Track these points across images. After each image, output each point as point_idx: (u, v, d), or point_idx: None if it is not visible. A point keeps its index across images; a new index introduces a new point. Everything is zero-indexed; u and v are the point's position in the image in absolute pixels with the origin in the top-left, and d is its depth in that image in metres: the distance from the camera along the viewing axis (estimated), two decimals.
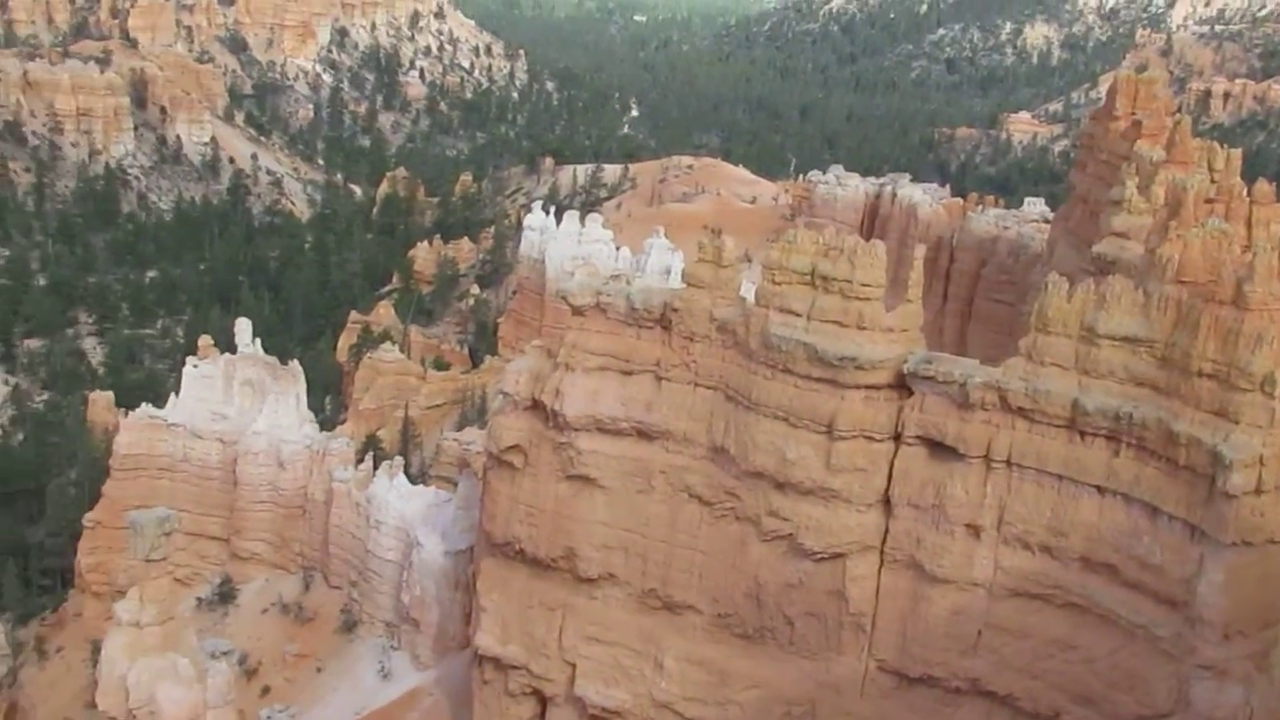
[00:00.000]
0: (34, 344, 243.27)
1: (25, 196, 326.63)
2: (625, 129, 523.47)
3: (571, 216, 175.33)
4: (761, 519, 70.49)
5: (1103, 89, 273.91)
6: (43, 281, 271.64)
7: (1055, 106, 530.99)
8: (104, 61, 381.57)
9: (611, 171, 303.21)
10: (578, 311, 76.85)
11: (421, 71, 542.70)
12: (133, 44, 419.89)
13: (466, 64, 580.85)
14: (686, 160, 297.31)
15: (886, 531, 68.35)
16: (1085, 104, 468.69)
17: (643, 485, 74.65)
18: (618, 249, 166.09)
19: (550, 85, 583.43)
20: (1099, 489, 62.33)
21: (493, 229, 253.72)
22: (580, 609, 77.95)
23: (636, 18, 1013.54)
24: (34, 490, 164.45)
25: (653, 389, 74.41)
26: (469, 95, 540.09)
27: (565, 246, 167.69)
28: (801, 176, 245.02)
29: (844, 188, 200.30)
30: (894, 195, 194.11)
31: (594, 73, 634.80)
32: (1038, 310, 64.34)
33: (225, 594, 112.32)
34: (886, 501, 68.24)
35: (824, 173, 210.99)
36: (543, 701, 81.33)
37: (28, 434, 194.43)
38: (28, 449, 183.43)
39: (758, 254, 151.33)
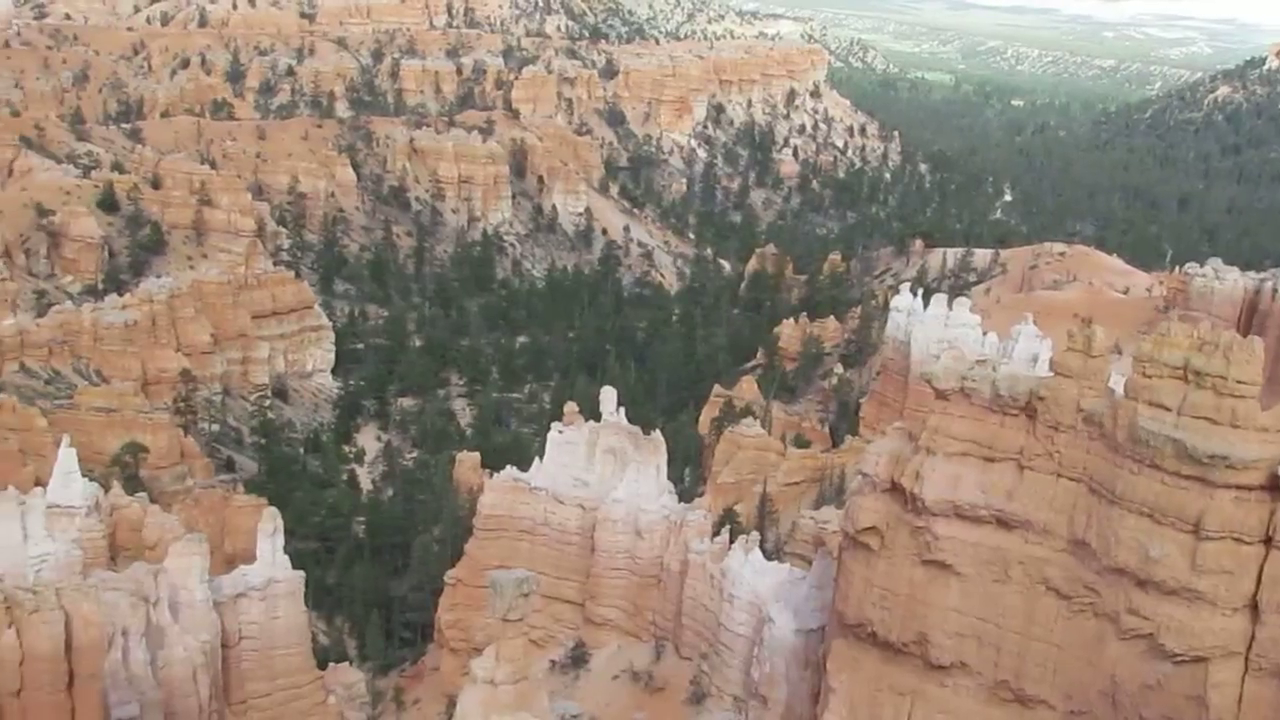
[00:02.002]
0: (407, 402, 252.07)
1: (406, 259, 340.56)
2: (997, 214, 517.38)
3: (939, 299, 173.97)
4: (1121, 616, 68.80)
5: None
6: (418, 343, 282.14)
7: None
8: (486, 131, 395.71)
9: (981, 256, 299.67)
10: (941, 395, 76.38)
11: (795, 149, 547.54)
12: (515, 115, 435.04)
13: (840, 143, 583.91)
14: (1059, 247, 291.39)
15: (1252, 638, 66.03)
16: None
17: (999, 574, 73.60)
18: (985, 334, 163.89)
19: (923, 167, 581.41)
20: None
21: (859, 309, 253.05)
22: (930, 696, 77.10)
23: (1014, 102, 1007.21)
24: (400, 545, 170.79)
25: (1014, 478, 73.44)
26: (841, 174, 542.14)
27: (932, 329, 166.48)
28: (1177, 268, 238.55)
29: (1222, 281, 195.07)
30: (1274, 291, 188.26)
31: (968, 156, 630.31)
32: None
33: (578, 658, 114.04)
34: (1254, 606, 65.93)
35: (1201, 265, 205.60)
36: None
37: (397, 490, 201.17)
38: (396, 504, 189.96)
39: (1129, 346, 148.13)
